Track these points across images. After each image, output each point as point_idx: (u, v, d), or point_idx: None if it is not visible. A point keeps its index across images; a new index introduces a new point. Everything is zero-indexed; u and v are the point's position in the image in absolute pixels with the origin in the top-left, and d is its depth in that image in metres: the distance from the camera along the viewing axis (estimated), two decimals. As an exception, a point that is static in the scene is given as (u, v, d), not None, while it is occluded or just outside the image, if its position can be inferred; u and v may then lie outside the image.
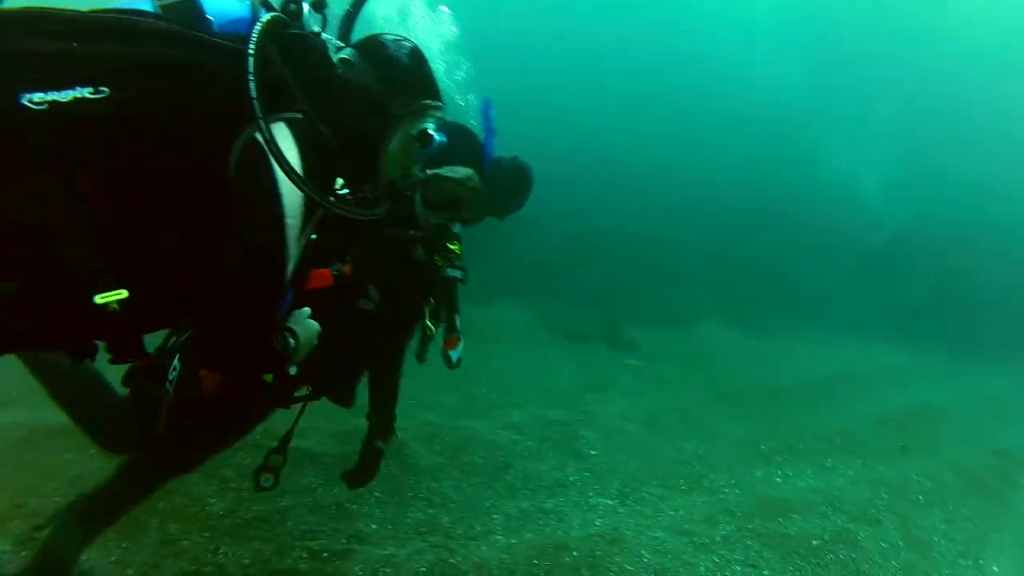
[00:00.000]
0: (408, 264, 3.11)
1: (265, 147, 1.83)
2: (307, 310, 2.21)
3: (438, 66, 2.67)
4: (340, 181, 2.19)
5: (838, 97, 18.20)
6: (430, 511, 4.11)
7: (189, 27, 1.92)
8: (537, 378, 7.32)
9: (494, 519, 4.14)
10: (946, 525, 4.86)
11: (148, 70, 1.80)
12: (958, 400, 8.87)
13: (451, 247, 3.11)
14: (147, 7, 1.96)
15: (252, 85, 1.84)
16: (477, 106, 3.63)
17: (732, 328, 11.63)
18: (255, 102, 1.83)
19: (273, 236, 1.86)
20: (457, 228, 3.15)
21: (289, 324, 2.13)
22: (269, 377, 2.15)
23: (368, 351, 3.20)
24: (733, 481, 5.16)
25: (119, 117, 1.73)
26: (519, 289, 10.76)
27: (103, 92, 1.71)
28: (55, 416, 2.90)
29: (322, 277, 2.35)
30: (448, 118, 2.55)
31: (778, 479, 5.34)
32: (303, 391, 3.05)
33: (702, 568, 3.77)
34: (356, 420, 4.94)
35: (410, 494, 4.25)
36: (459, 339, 3.34)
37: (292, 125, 1.95)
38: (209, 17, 2.00)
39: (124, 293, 1.76)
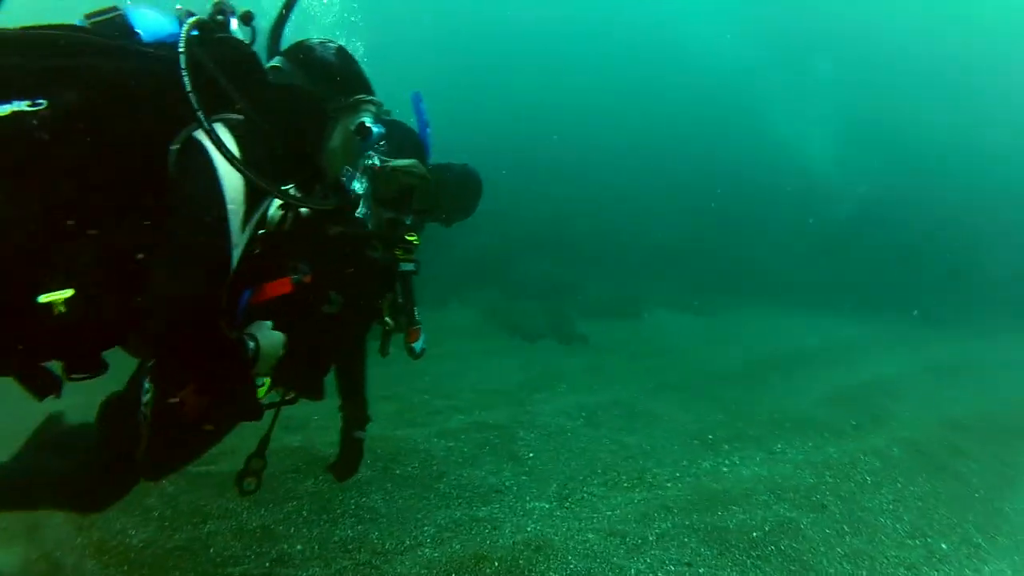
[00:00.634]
0: (365, 263, 3.12)
1: (203, 142, 1.92)
2: (269, 322, 2.28)
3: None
4: (290, 186, 2.22)
5: (778, 58, 18.06)
6: (359, 527, 3.93)
7: (120, 40, 2.01)
8: (481, 380, 7.12)
9: (425, 531, 3.95)
10: (893, 505, 4.72)
11: (83, 81, 1.87)
12: (912, 372, 8.82)
13: (409, 239, 3.18)
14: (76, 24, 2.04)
15: (187, 83, 1.92)
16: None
17: (684, 314, 11.55)
18: (191, 96, 1.91)
19: (212, 209, 1.91)
20: (409, 220, 3.20)
21: (249, 331, 2.21)
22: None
23: (333, 348, 3.24)
24: (677, 474, 4.99)
25: (56, 127, 1.80)
26: (464, 287, 10.60)
27: (40, 104, 1.80)
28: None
29: (281, 285, 2.35)
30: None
31: (725, 469, 5.17)
32: (275, 396, 2.98)
33: (633, 571, 3.59)
34: (286, 437, 4.79)
35: (339, 511, 4.08)
36: (420, 330, 3.40)
37: (230, 125, 2.03)
38: (138, 31, 2.08)
39: (70, 292, 1.79)
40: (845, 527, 4.32)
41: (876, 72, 19.16)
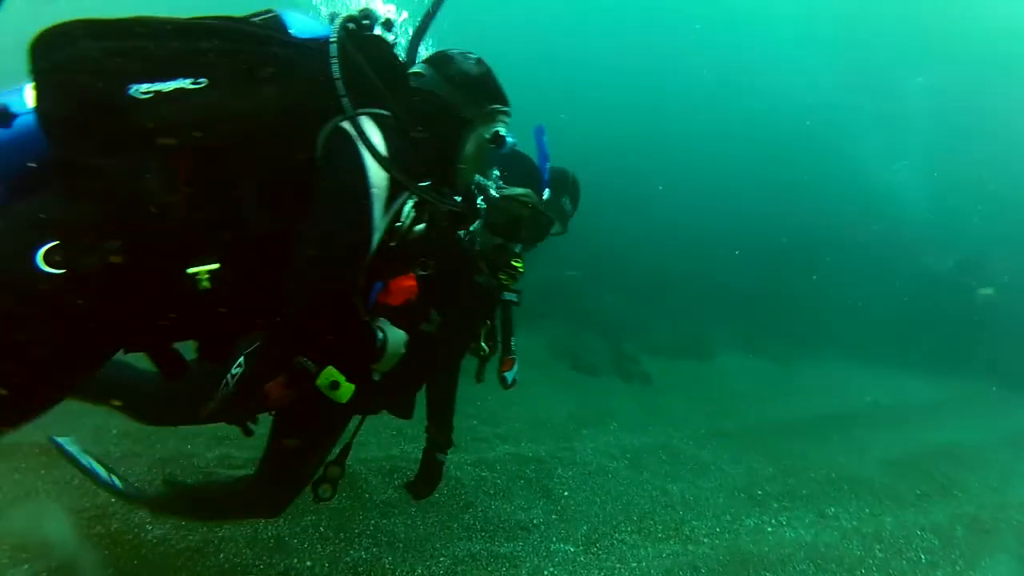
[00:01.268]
0: (470, 287, 3.17)
1: (350, 131, 2.02)
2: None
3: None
4: (426, 184, 2.28)
5: (871, 98, 17.24)
6: (374, 550, 3.90)
7: (276, 33, 2.14)
8: (532, 411, 7.00)
9: (440, 562, 3.91)
10: (947, 591, 4.41)
11: (242, 64, 1.98)
12: (991, 442, 8.19)
13: (516, 264, 3.18)
14: None
15: (337, 72, 2.03)
16: None
17: (755, 359, 11.15)
18: (338, 83, 2.02)
19: (358, 196, 2.00)
20: (517, 248, 3.23)
21: (378, 324, 2.30)
22: (322, 379, 2.24)
23: (427, 369, 3.25)
24: (717, 529, 4.80)
25: (214, 105, 1.92)
26: (531, 314, 10.50)
27: (201, 83, 1.91)
28: None
29: (407, 281, 2.45)
30: None
31: (769, 529, 4.94)
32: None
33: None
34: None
35: (356, 531, 4.05)
36: (514, 360, 3.45)
37: (377, 120, 2.11)
38: (291, 31, 2.19)
39: (216, 265, 1.91)
40: (887, 611, 4.05)
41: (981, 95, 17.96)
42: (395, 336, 2.36)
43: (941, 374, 11.22)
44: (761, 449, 6.65)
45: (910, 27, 18.92)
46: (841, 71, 18.08)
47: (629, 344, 10.51)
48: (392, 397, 3.19)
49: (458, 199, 2.61)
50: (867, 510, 5.54)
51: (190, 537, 3.68)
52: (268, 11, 2.26)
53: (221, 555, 3.61)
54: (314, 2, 2.47)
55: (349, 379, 2.29)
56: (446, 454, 3.71)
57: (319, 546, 3.84)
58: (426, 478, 3.70)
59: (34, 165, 1.92)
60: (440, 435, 3.65)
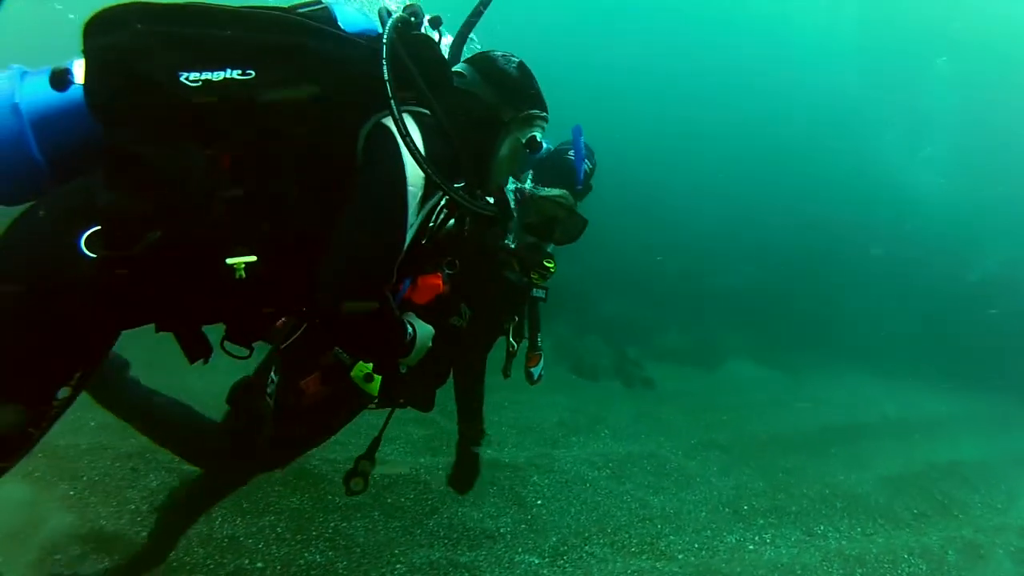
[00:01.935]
0: (499, 283, 3.18)
1: (391, 128, 2.03)
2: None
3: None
4: (460, 185, 2.30)
5: (890, 89, 16.67)
6: (330, 554, 3.81)
7: (326, 26, 2.13)
8: (523, 415, 6.88)
9: (396, 569, 3.81)
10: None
11: (292, 57, 2.00)
12: (1000, 460, 7.92)
13: (548, 264, 3.25)
14: None
15: (386, 72, 2.03)
16: None
17: (764, 369, 10.91)
18: (388, 84, 2.02)
19: (396, 194, 2.03)
20: (550, 248, 3.28)
21: (407, 318, 2.35)
22: (357, 371, 2.40)
23: (454, 362, 3.31)
24: (695, 546, 4.64)
25: (262, 96, 1.93)
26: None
27: (250, 74, 1.92)
28: None
29: (434, 279, 2.52)
30: None
31: (750, 547, 4.77)
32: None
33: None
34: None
35: (315, 533, 3.97)
36: (540, 356, 3.54)
37: (418, 118, 2.14)
38: (340, 24, 2.18)
39: (252, 257, 1.93)
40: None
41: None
42: (423, 330, 2.40)
43: (957, 388, 10.90)
44: (754, 462, 6.47)
45: (931, 12, 18.39)
46: (860, 67, 17.64)
47: (635, 348, 10.36)
48: (418, 390, 3.19)
49: (490, 200, 2.62)
50: (858, 529, 5.34)
51: (144, 533, 3.56)
52: (318, 2, 2.27)
53: (172, 552, 3.46)
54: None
55: (378, 372, 2.42)
56: (479, 446, 3.68)
57: (274, 547, 3.75)
58: (463, 471, 3.69)
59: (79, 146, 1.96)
60: (471, 429, 3.63)
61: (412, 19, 2.29)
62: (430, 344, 2.44)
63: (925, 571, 4.71)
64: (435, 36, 2.44)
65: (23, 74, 1.98)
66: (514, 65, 2.56)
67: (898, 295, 13.02)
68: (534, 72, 2.62)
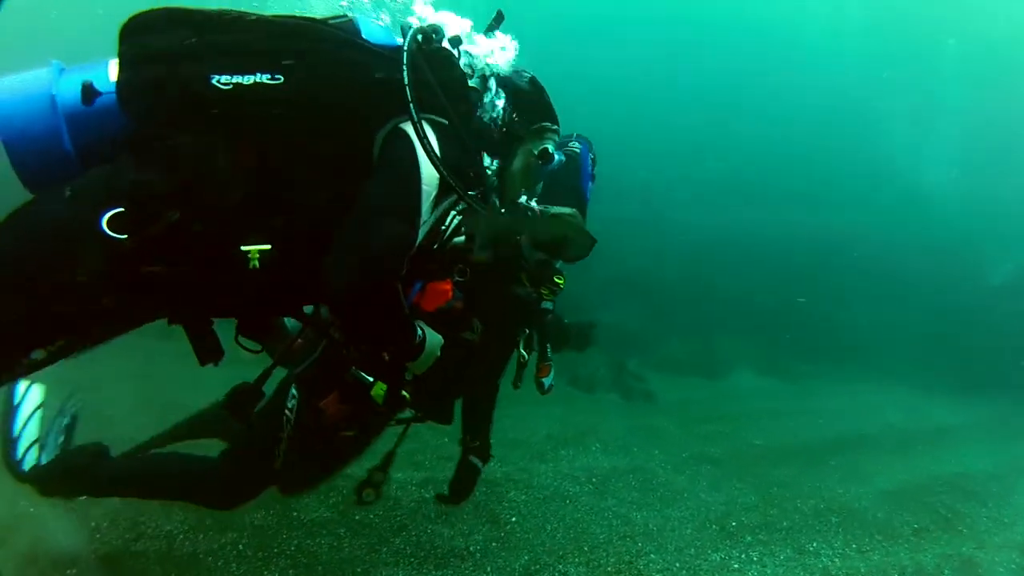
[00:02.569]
0: (510, 299, 3.30)
1: (409, 131, 2.14)
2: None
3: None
4: (473, 192, 2.41)
5: (901, 85, 16.26)
6: (290, 572, 3.71)
7: (352, 37, 2.25)
8: (511, 428, 6.71)
9: (356, 590, 3.66)
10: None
11: (319, 64, 2.12)
12: (1012, 470, 7.58)
13: (557, 281, 3.37)
14: None
15: (407, 78, 2.14)
16: None
17: (768, 379, 10.68)
18: (408, 89, 2.13)
19: (411, 188, 2.11)
20: (558, 264, 3.38)
21: (418, 323, 2.40)
22: (377, 390, 2.46)
23: (468, 378, 3.34)
24: (676, 565, 4.45)
25: (288, 100, 2.06)
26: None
27: (279, 79, 2.05)
28: None
29: (444, 287, 2.64)
30: None
31: (735, 566, 4.58)
32: (407, 413, 3.20)
33: None
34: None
35: (276, 550, 3.86)
36: (551, 366, 3.63)
37: (435, 125, 2.24)
38: (364, 36, 2.29)
39: (267, 246, 2.02)
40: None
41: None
42: (433, 338, 2.47)
43: (966, 395, 10.59)
44: (747, 475, 6.26)
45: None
46: (865, 61, 17.35)
47: (636, 360, 10.18)
48: (436, 403, 3.29)
49: (503, 211, 2.72)
50: (853, 546, 5.12)
51: (101, 549, 3.57)
52: (344, 16, 2.38)
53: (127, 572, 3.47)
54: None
55: (389, 380, 2.49)
56: (483, 463, 3.70)
57: (234, 565, 3.67)
58: (461, 483, 3.69)
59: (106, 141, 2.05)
60: (477, 445, 3.66)
61: (433, 35, 2.41)
62: (438, 353, 2.50)
63: (915, 591, 4.49)
64: (455, 53, 2.53)
65: (61, 70, 2.09)
66: (526, 80, 2.69)
67: (906, 299, 12.73)
68: (544, 78, 2.72)
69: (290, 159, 2.10)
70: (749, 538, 4.99)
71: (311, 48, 2.15)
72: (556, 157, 2.74)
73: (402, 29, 2.40)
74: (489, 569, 4.06)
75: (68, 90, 2.04)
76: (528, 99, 2.69)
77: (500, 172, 2.68)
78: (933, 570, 4.76)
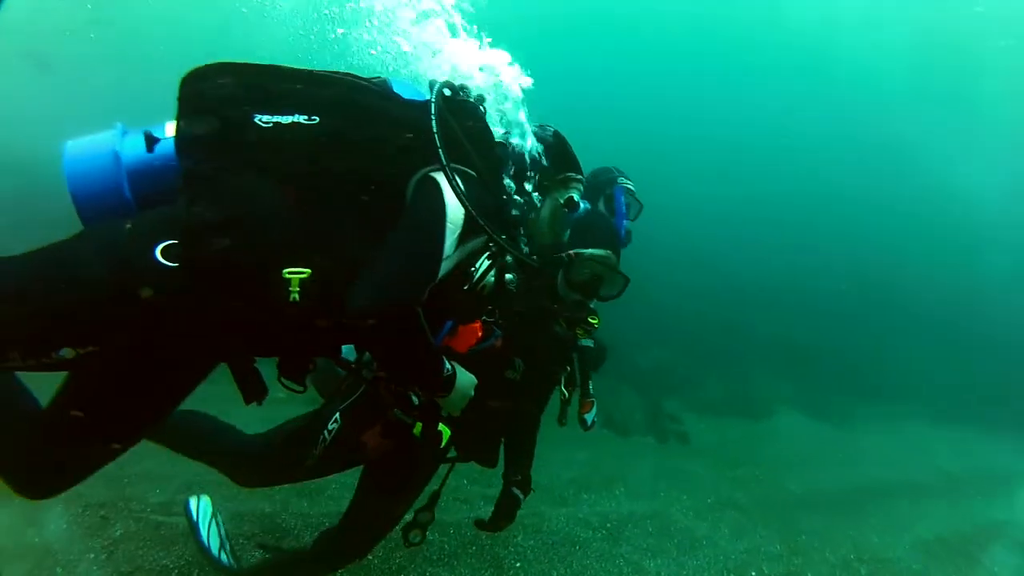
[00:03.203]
0: (549, 337, 3.40)
1: (439, 179, 2.26)
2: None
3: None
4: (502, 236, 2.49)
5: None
6: (283, 615, 3.69)
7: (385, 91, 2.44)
8: (537, 471, 6.60)
9: (347, 634, 3.66)
10: None
11: (353, 109, 2.28)
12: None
13: (592, 321, 3.46)
14: None
15: (435, 128, 2.29)
16: None
17: (814, 420, 10.30)
18: (437, 137, 2.28)
19: (434, 225, 2.21)
20: (593, 304, 3.46)
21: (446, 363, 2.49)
22: (418, 428, 2.65)
23: (511, 415, 3.45)
24: (686, 616, 4.31)
25: (323, 140, 2.19)
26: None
27: (315, 120, 2.20)
28: None
29: (472, 332, 2.79)
30: None
31: (749, 616, 4.41)
32: (452, 453, 3.34)
33: None
34: (262, 504, 4.69)
35: (269, 591, 3.87)
36: (593, 402, 3.64)
37: (463, 175, 2.33)
38: (396, 91, 2.47)
39: (307, 272, 2.11)
40: None
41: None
42: (465, 377, 2.53)
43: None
44: (775, 523, 6.04)
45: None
46: (910, 89, 16.86)
47: (674, 401, 9.95)
48: (477, 447, 3.44)
49: (535, 257, 2.77)
50: (877, 599, 4.88)
51: None
52: (379, 77, 2.54)
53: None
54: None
55: (425, 418, 2.66)
56: (524, 495, 3.72)
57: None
58: (502, 511, 3.70)
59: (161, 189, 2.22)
60: (519, 479, 3.68)
61: (461, 92, 2.56)
62: (471, 394, 2.57)
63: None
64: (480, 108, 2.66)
65: (124, 132, 2.32)
66: (550, 133, 2.83)
67: (960, 335, 12.18)
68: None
69: (328, 200, 2.21)
70: (767, 589, 4.82)
71: (347, 95, 2.31)
72: (582, 205, 2.88)
73: (430, 85, 2.52)
74: (486, 616, 4.01)
75: (130, 148, 2.27)
76: (553, 151, 2.81)
77: (527, 220, 2.76)
78: (962, 627, 4.49)
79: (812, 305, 12.78)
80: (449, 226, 2.23)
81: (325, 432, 3.08)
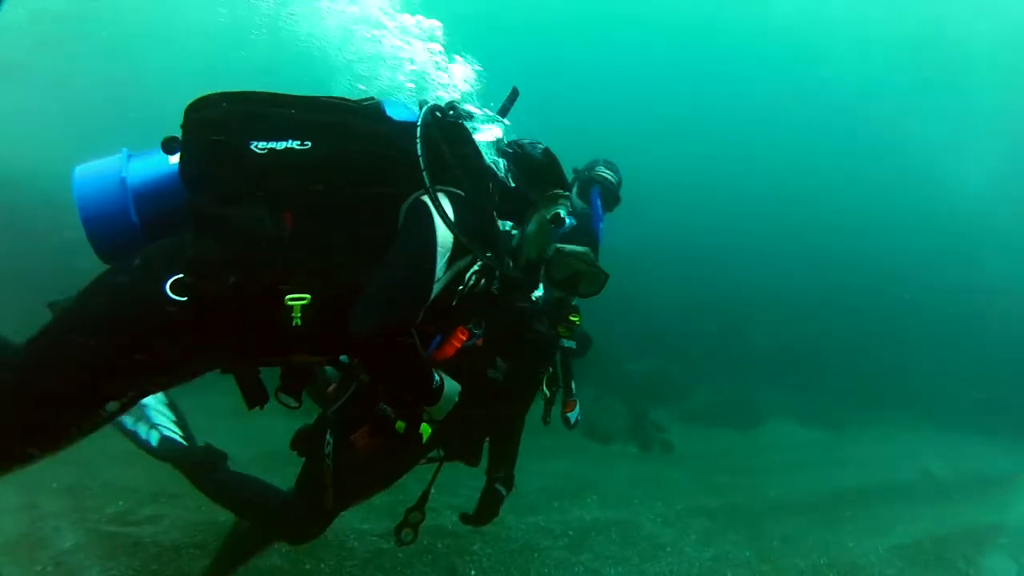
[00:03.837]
0: (531, 337, 3.44)
1: (429, 204, 2.35)
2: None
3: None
4: (488, 254, 2.59)
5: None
6: (228, 621, 3.66)
7: (375, 114, 2.53)
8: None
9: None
10: None
11: (344, 133, 2.37)
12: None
13: (572, 319, 3.59)
14: None
15: (420, 153, 2.38)
16: None
17: (806, 428, 10.18)
18: (422, 162, 2.37)
19: (425, 248, 2.31)
20: (574, 302, 3.57)
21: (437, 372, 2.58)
22: (401, 426, 2.69)
23: (495, 415, 3.49)
24: (639, 625, 4.25)
25: (315, 165, 2.30)
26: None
27: (307, 144, 2.30)
28: None
29: (457, 338, 2.78)
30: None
31: (706, 624, 4.34)
32: (436, 452, 3.51)
33: None
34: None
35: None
36: (576, 402, 3.85)
37: (451, 195, 2.42)
38: (388, 113, 2.55)
39: (307, 298, 2.23)
40: None
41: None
42: (451, 385, 2.61)
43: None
44: (746, 529, 5.96)
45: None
46: (908, 83, 16.70)
47: (662, 410, 9.87)
48: (460, 446, 3.52)
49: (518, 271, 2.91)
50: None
51: None
52: (371, 98, 2.64)
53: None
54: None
55: (409, 420, 2.69)
56: (508, 493, 3.78)
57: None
58: (485, 507, 3.75)
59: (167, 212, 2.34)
60: (502, 476, 3.74)
61: (450, 111, 2.62)
62: (456, 399, 2.65)
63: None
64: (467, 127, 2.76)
65: (129, 156, 2.43)
66: (540, 150, 2.90)
67: (963, 339, 12.02)
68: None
69: (324, 225, 2.32)
70: (730, 598, 4.75)
71: (339, 120, 2.41)
72: (568, 222, 2.96)
73: (421, 106, 2.61)
74: (434, 625, 3.96)
75: (135, 172, 2.39)
76: (541, 168, 2.89)
77: (513, 235, 2.86)
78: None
79: (808, 311, 12.66)
80: (440, 250, 2.32)
81: (326, 458, 3.16)
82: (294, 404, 2.68)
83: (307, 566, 4.32)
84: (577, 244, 3.38)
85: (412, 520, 3.55)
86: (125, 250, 2.37)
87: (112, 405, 2.27)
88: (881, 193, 15.91)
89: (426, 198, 2.37)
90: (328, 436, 3.15)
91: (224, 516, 4.64)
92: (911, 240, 14.50)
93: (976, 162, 15.84)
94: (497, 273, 2.70)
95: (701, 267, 13.30)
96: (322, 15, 3.19)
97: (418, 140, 2.41)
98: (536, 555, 4.97)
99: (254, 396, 2.58)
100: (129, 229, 2.37)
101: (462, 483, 5.98)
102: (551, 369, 3.68)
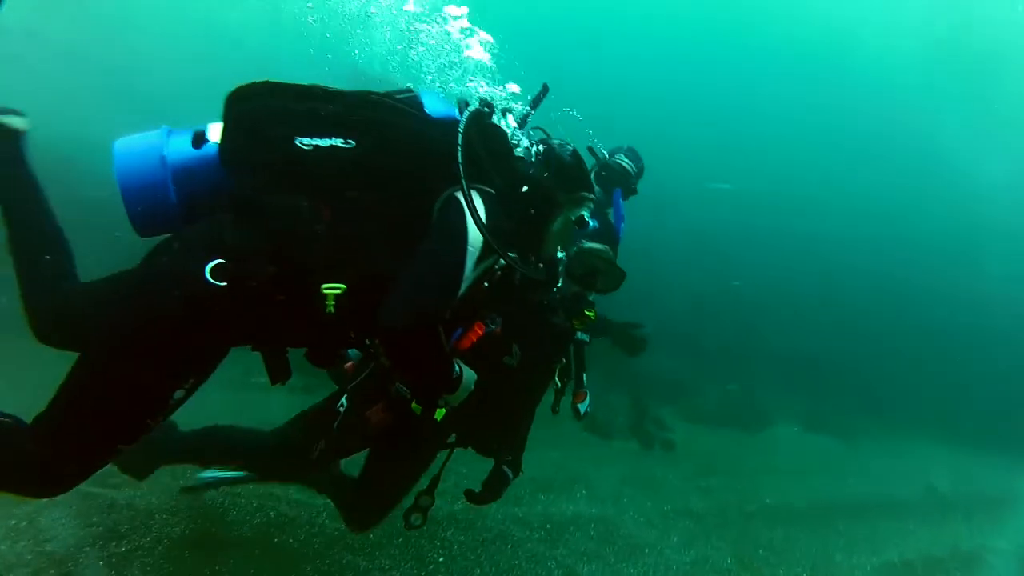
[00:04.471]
0: (547, 327, 3.57)
1: (462, 203, 2.45)
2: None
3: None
4: (513, 254, 2.69)
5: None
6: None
7: (414, 109, 2.62)
8: (495, 470, 6.54)
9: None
10: None
11: (387, 133, 2.48)
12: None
13: (588, 313, 3.63)
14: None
15: (460, 156, 2.47)
16: None
17: (813, 434, 9.99)
18: (461, 167, 2.45)
19: (457, 247, 2.42)
20: (591, 297, 3.66)
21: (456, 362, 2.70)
22: (417, 408, 2.86)
23: (509, 403, 3.58)
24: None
25: (359, 162, 2.41)
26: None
27: (351, 143, 2.41)
28: None
29: (477, 329, 2.89)
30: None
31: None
32: (451, 438, 3.67)
33: None
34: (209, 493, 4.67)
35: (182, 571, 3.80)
36: (586, 394, 3.96)
37: (483, 194, 2.56)
38: (426, 108, 2.66)
39: (342, 287, 2.35)
40: None
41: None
42: (469, 374, 2.75)
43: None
44: (732, 535, 5.86)
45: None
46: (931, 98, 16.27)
47: (669, 408, 9.76)
48: (475, 435, 3.68)
49: (541, 267, 3.04)
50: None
51: None
52: (408, 89, 2.74)
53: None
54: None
55: (425, 404, 2.85)
56: (515, 477, 3.87)
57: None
58: (489, 487, 3.82)
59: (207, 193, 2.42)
60: (510, 460, 3.83)
61: (486, 109, 2.76)
62: (472, 388, 2.78)
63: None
64: (508, 121, 2.93)
65: (169, 132, 2.48)
66: (568, 152, 2.98)
67: (976, 352, 11.72)
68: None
69: (361, 218, 2.41)
70: (704, 605, 4.66)
71: (382, 118, 2.51)
72: (591, 224, 3.05)
73: (458, 104, 2.73)
74: (394, 608, 3.93)
75: (175, 149, 2.44)
76: (568, 169, 2.96)
77: (541, 233, 2.94)
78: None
79: (824, 318, 12.43)
80: (470, 249, 2.43)
81: (339, 408, 3.28)
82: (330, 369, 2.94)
83: (275, 540, 4.30)
84: (598, 242, 3.55)
85: (422, 504, 3.66)
86: (162, 227, 2.47)
87: (179, 393, 2.37)
88: (904, 201, 15.51)
89: (459, 194, 2.46)
90: (343, 400, 3.26)
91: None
92: (935, 251, 14.11)
93: (1000, 173, 15.40)
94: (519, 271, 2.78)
95: (717, 266, 13.10)
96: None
97: (459, 146, 2.48)
98: (509, 546, 4.91)
99: (278, 373, 2.66)
100: (167, 207, 2.42)
101: (457, 469, 6.01)
102: (564, 360, 3.76)
